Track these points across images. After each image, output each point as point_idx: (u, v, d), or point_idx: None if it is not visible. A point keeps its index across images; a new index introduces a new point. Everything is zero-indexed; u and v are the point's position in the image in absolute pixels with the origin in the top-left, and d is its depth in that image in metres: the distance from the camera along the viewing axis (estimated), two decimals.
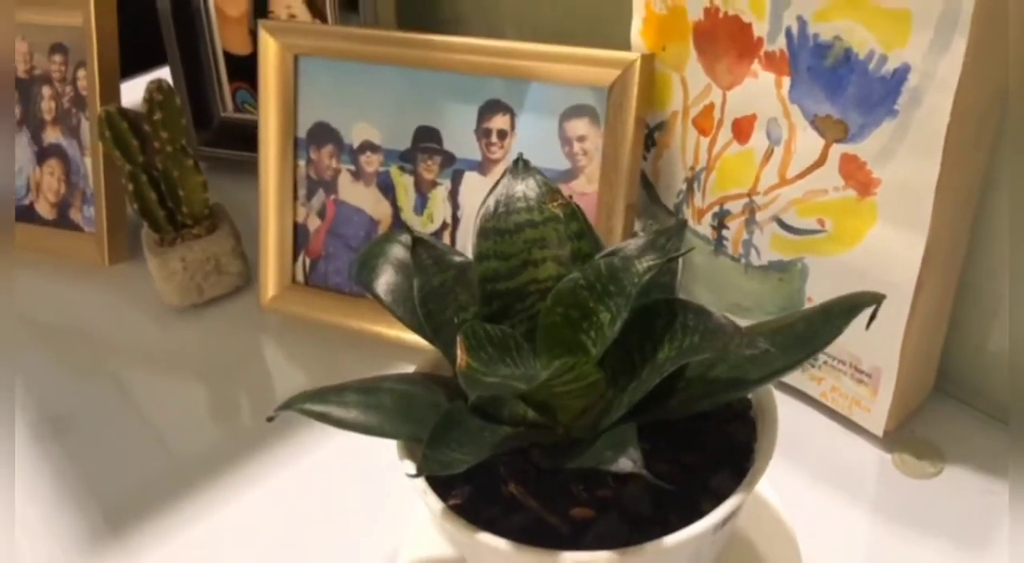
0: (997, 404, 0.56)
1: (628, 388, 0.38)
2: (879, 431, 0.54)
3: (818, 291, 0.53)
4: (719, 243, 0.58)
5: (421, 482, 0.39)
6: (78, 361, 0.67)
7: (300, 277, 0.67)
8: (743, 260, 0.57)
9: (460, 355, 0.34)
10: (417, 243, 0.41)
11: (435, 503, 0.38)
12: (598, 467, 0.34)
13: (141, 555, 0.52)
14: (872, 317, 0.37)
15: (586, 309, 0.38)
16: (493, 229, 0.40)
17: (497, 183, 0.41)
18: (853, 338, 0.53)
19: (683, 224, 0.42)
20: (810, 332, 0.37)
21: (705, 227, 0.58)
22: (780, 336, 0.38)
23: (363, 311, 0.65)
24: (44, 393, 0.64)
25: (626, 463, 0.33)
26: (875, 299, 0.37)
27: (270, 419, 0.40)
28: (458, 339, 0.35)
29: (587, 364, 0.36)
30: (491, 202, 0.41)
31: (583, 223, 0.40)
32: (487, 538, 0.37)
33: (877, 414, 0.54)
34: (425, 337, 0.41)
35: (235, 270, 0.70)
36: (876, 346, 0.52)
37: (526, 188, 0.41)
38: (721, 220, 0.57)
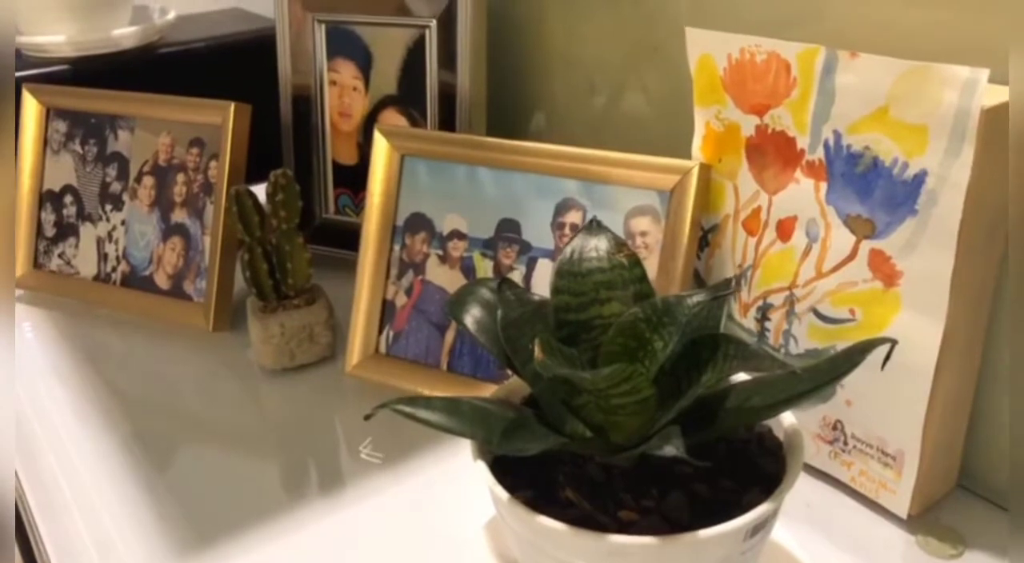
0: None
1: (675, 407, 0.44)
2: (903, 513, 0.59)
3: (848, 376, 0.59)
4: (762, 335, 0.64)
5: (490, 477, 0.45)
6: (174, 413, 0.75)
7: (383, 348, 0.75)
8: (783, 350, 0.63)
9: (537, 353, 0.42)
10: (503, 282, 0.50)
11: (502, 493, 0.44)
12: (647, 452, 0.40)
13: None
14: (887, 358, 0.43)
15: (642, 339, 0.45)
16: (568, 271, 0.48)
17: (573, 237, 0.50)
18: (879, 421, 0.58)
19: (729, 281, 0.50)
20: (832, 366, 0.44)
21: (750, 320, 0.65)
22: (807, 370, 0.44)
23: (433, 380, 0.72)
24: (141, 436, 0.72)
25: (670, 449, 0.39)
26: (887, 342, 0.43)
27: (367, 417, 0.47)
28: (536, 342, 0.42)
29: (641, 377, 0.43)
30: (567, 250, 0.49)
31: (644, 269, 0.48)
32: (547, 521, 0.43)
33: (902, 496, 0.58)
34: (502, 358, 0.48)
35: (324, 341, 0.78)
36: (900, 428, 0.57)
37: (598, 242, 0.49)
38: (764, 313, 0.64)
